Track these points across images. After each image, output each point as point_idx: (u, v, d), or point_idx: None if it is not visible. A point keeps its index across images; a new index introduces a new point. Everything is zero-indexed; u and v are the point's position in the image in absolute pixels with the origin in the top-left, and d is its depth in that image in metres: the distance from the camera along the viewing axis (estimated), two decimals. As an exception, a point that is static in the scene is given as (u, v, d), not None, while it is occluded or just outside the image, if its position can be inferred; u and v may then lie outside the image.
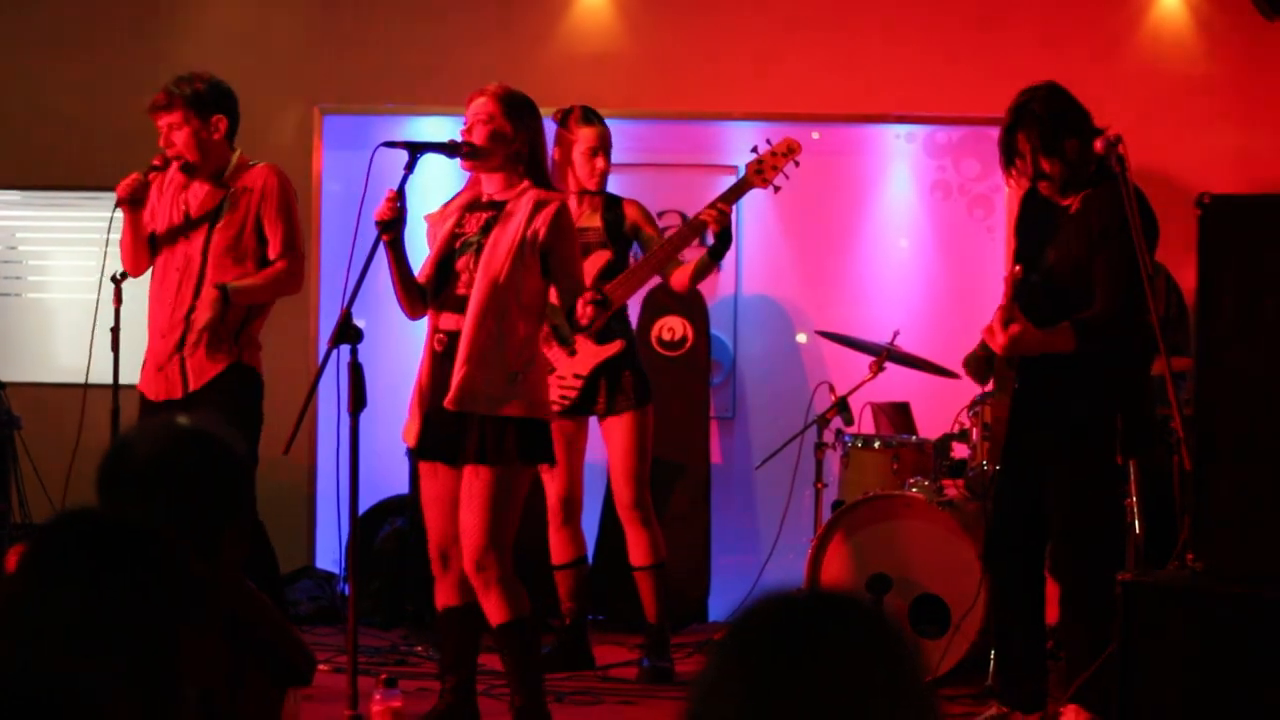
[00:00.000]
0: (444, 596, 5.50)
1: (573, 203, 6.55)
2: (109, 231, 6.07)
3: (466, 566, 5.33)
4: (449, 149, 5.36)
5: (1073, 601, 5.55)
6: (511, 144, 5.39)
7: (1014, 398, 5.63)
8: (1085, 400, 5.51)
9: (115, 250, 6.15)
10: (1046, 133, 5.49)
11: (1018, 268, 5.47)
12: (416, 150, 5.35)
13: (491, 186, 5.45)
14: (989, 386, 6.45)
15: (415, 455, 5.51)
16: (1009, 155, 5.57)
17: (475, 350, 5.28)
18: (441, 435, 5.35)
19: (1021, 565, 5.67)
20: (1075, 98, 5.58)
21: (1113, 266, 5.45)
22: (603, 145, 6.54)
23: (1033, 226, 5.73)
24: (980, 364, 5.84)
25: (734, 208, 6.43)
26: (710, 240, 6.38)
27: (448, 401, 5.27)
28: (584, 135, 6.52)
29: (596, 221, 6.57)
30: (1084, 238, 5.52)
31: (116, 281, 6.24)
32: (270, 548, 6.32)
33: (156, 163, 6.03)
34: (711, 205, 6.32)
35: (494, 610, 5.34)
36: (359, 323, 5.08)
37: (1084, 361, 5.48)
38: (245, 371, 6.01)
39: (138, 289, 6.42)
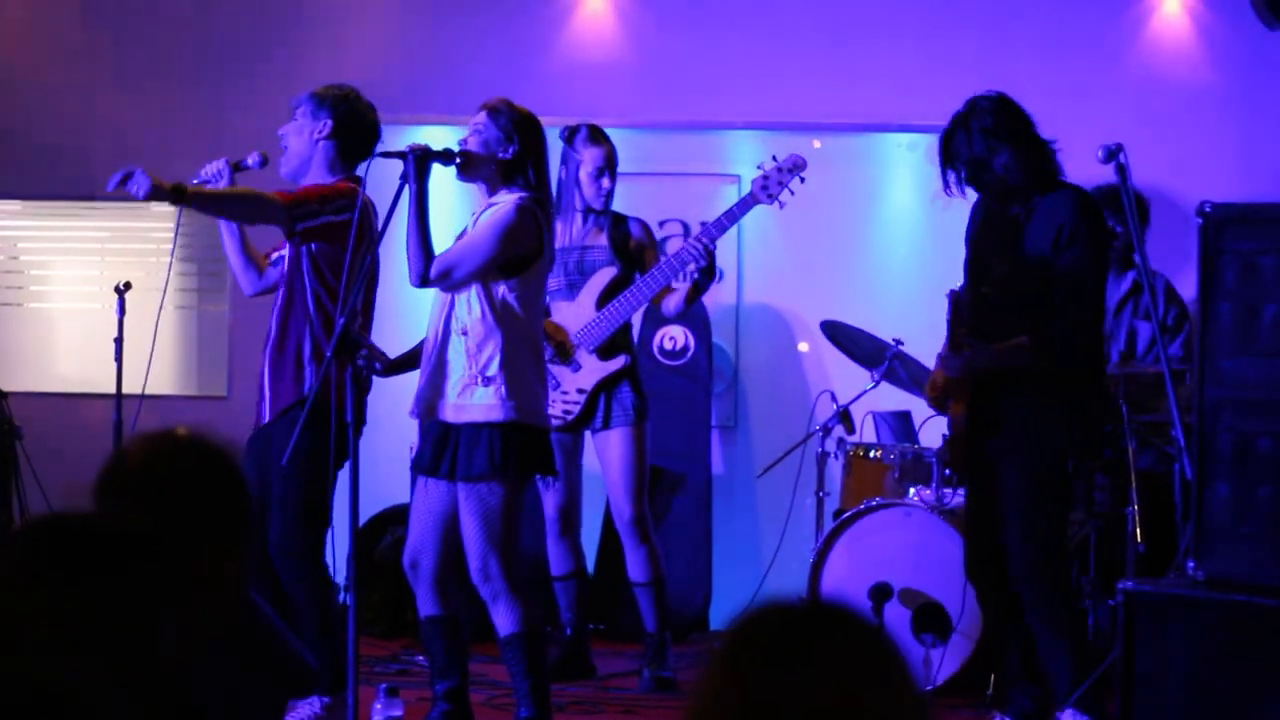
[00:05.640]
0: (423, 606, 5.56)
1: (579, 221, 6.57)
2: (173, 244, 5.92)
3: (472, 579, 5.37)
4: (443, 158, 5.39)
5: (1036, 610, 5.52)
6: (503, 156, 5.39)
7: (970, 407, 5.62)
8: (1037, 406, 5.50)
9: (118, 260, 6.14)
10: (979, 144, 5.48)
11: (957, 285, 5.48)
12: (416, 159, 5.37)
13: (483, 198, 5.47)
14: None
15: (412, 469, 5.57)
16: (945, 164, 5.56)
17: (431, 358, 5.37)
18: (431, 449, 5.41)
19: (1000, 574, 5.62)
20: (1017, 107, 5.53)
21: (1069, 277, 5.44)
22: (609, 165, 6.55)
23: (983, 236, 5.71)
24: (941, 390, 5.82)
25: (736, 223, 6.53)
26: (695, 274, 6.36)
27: (410, 410, 5.39)
28: (590, 155, 6.53)
29: (603, 240, 6.60)
30: (1035, 246, 5.49)
31: (120, 291, 6.24)
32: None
33: (249, 162, 5.84)
34: (696, 239, 6.38)
35: (500, 621, 5.37)
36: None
37: (1059, 377, 5.48)
38: (314, 407, 5.39)
39: (141, 298, 6.42)
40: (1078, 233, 5.36)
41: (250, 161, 5.84)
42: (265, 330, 5.74)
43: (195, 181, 5.76)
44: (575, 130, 6.58)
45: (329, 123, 5.71)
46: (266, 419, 5.69)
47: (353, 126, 5.75)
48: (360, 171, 5.65)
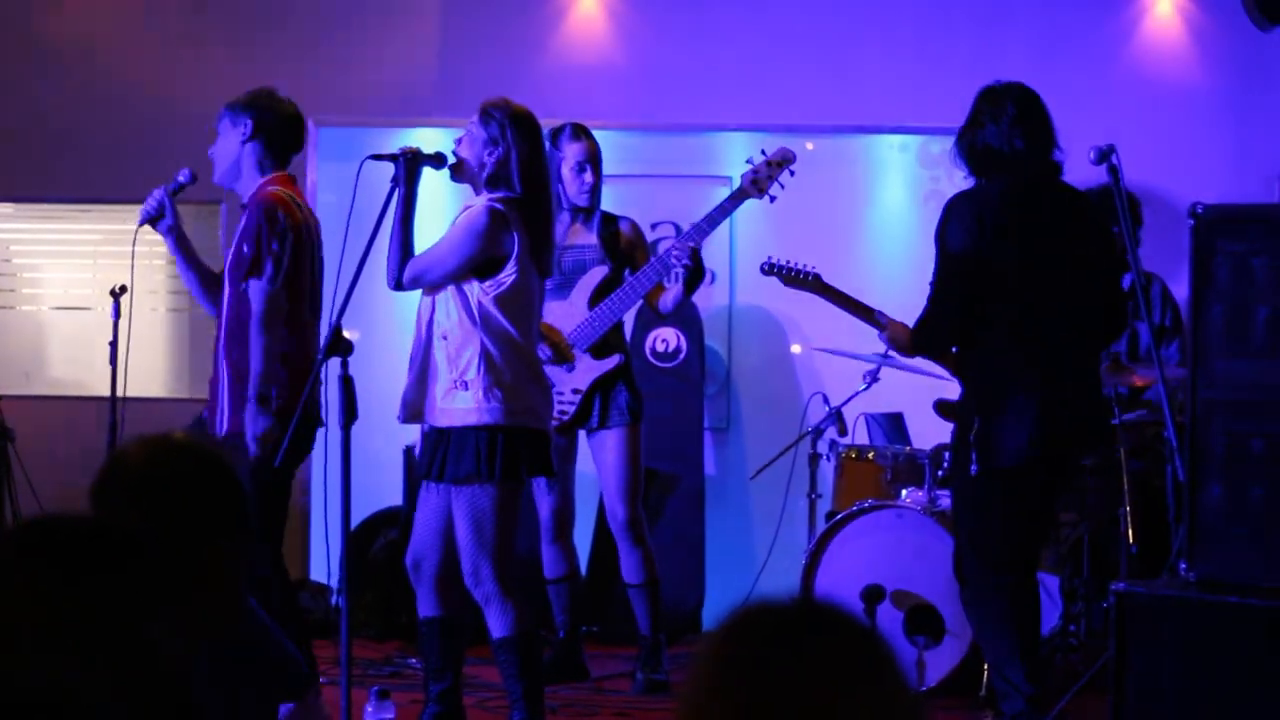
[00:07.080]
0: (422, 606, 5.56)
1: (566, 219, 6.55)
2: (135, 244, 5.91)
3: (465, 582, 5.37)
4: (434, 161, 5.40)
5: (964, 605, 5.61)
6: (490, 159, 5.38)
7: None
8: (959, 414, 5.57)
9: (110, 263, 6.13)
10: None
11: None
12: (407, 162, 5.40)
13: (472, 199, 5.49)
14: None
15: (417, 472, 5.60)
16: None
17: (416, 362, 5.40)
18: (427, 453, 5.44)
19: None
20: (991, 106, 5.52)
21: (935, 272, 5.55)
22: (590, 159, 6.52)
23: None
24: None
25: (726, 220, 6.57)
26: (682, 274, 6.37)
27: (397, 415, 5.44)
28: (571, 151, 6.52)
29: (592, 239, 6.57)
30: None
31: (115, 295, 6.23)
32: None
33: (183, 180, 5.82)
34: (685, 237, 6.40)
35: (494, 624, 5.37)
36: (350, 335, 5.09)
37: (962, 378, 5.57)
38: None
39: (135, 301, 6.41)
40: (940, 227, 5.47)
41: (181, 178, 5.84)
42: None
43: (142, 221, 5.78)
44: (559, 130, 6.57)
45: (249, 123, 5.72)
46: (223, 431, 5.62)
47: (274, 122, 5.75)
48: (293, 169, 5.76)
